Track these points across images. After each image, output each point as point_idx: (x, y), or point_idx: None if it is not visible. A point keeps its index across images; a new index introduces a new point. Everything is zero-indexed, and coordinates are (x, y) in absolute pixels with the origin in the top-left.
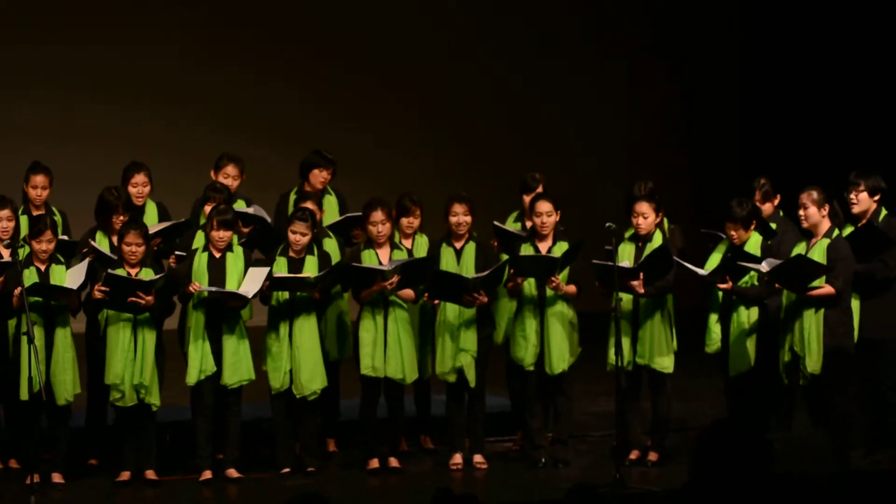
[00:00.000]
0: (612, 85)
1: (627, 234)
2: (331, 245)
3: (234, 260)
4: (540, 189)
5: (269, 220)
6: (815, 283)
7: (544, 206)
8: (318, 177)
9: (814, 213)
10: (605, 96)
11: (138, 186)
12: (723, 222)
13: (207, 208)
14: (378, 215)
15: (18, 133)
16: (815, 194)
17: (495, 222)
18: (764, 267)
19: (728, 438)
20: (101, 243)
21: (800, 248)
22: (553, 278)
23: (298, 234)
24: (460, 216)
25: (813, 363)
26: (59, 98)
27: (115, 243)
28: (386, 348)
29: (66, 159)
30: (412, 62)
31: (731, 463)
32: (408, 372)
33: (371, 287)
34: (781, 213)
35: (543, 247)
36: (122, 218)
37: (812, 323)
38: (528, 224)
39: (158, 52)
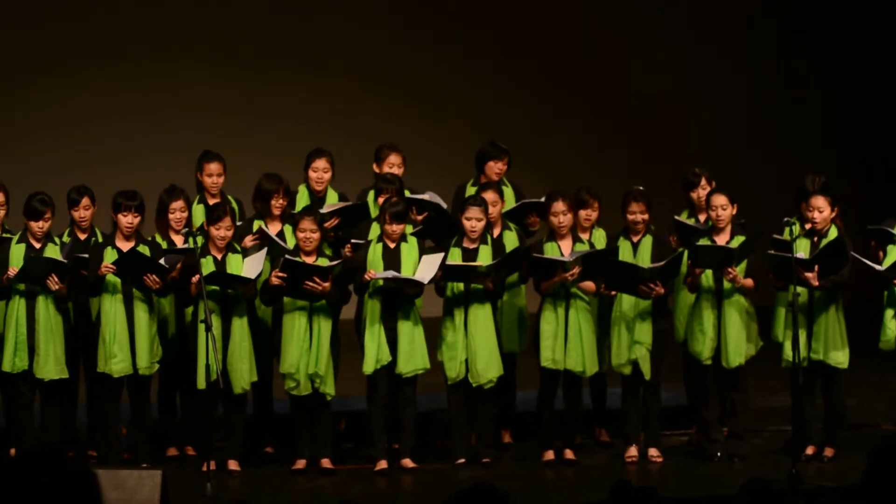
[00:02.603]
0: (778, 80)
1: (788, 234)
2: (509, 236)
3: (409, 250)
4: (703, 183)
5: (444, 205)
6: None
7: (719, 200)
8: (493, 168)
9: None
10: (773, 91)
11: (318, 172)
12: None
13: (381, 200)
14: (560, 206)
15: (194, 109)
16: None
17: (676, 217)
18: None
19: None
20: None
21: None
22: (730, 269)
23: (473, 220)
24: (637, 214)
25: None
26: (236, 75)
27: (270, 229)
28: (567, 340)
29: (243, 138)
30: (586, 61)
31: None
32: (588, 364)
33: (552, 278)
34: None
35: (721, 240)
36: (281, 202)
37: None
38: (702, 218)
39: (342, 31)
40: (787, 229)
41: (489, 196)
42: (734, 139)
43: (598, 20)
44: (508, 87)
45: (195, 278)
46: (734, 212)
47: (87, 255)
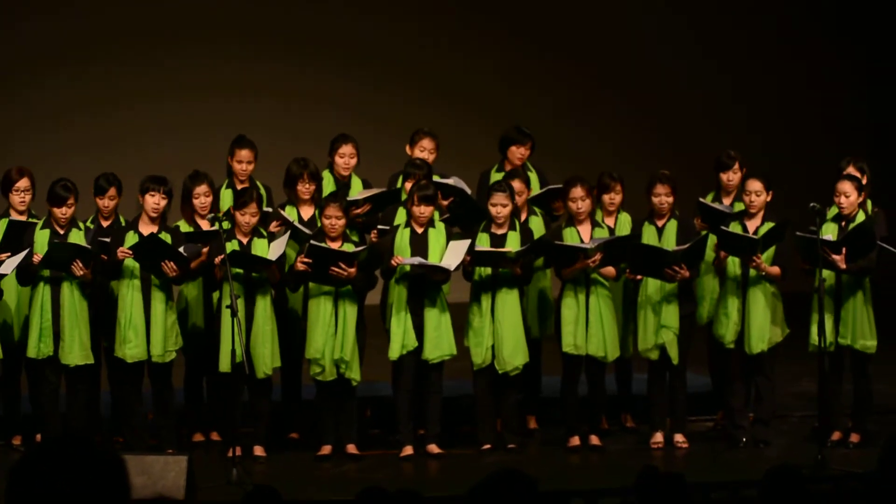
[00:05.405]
0: (808, 66)
1: (830, 215)
2: (535, 221)
3: (437, 235)
4: (735, 167)
5: (468, 191)
6: None
7: (755, 185)
8: (516, 153)
9: None
10: (804, 76)
11: (345, 157)
12: None
13: (408, 185)
14: (578, 191)
15: (222, 95)
16: None
17: (700, 199)
18: None
19: None
20: (290, 216)
21: None
22: (755, 258)
23: (499, 206)
24: (662, 197)
25: None
26: (267, 60)
27: (301, 214)
28: (588, 326)
29: (274, 123)
30: (612, 45)
31: None
32: (609, 350)
33: (573, 265)
34: None
35: (752, 225)
36: (308, 187)
37: None
38: (727, 201)
39: (372, 20)
40: (818, 214)
41: (516, 185)
42: (762, 124)
43: (624, 4)
44: (532, 73)
45: (218, 259)
46: (769, 198)
47: (108, 239)
